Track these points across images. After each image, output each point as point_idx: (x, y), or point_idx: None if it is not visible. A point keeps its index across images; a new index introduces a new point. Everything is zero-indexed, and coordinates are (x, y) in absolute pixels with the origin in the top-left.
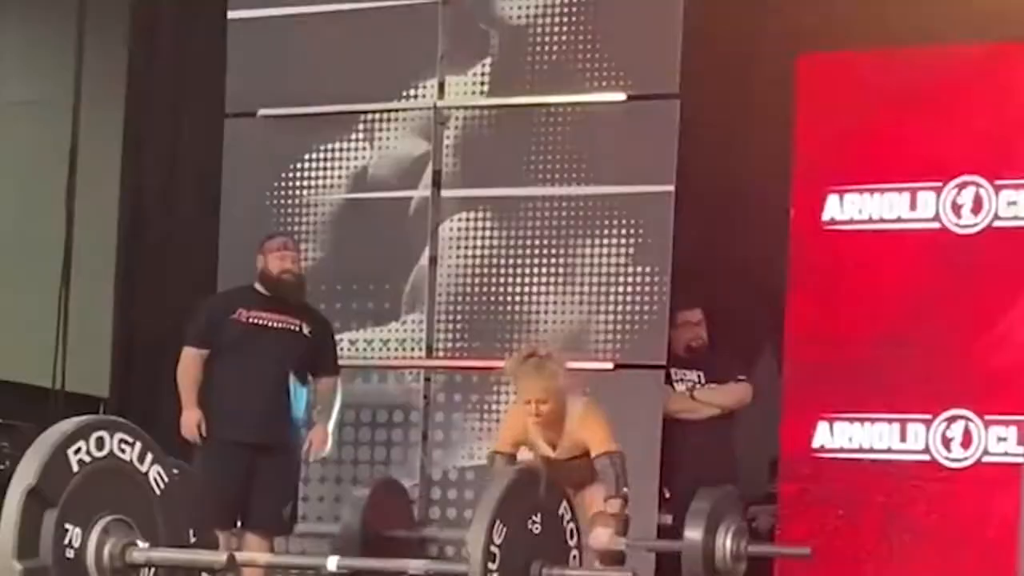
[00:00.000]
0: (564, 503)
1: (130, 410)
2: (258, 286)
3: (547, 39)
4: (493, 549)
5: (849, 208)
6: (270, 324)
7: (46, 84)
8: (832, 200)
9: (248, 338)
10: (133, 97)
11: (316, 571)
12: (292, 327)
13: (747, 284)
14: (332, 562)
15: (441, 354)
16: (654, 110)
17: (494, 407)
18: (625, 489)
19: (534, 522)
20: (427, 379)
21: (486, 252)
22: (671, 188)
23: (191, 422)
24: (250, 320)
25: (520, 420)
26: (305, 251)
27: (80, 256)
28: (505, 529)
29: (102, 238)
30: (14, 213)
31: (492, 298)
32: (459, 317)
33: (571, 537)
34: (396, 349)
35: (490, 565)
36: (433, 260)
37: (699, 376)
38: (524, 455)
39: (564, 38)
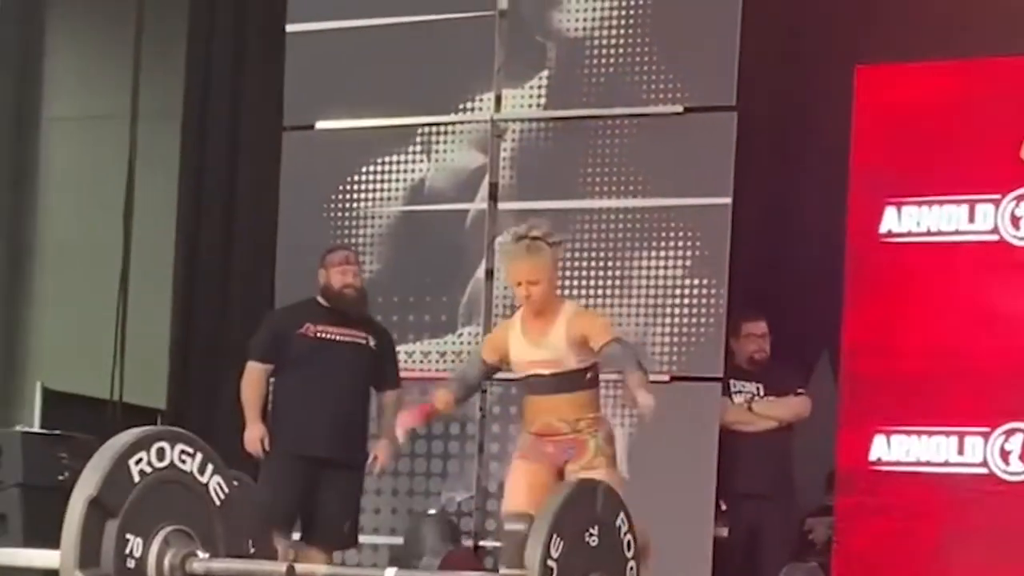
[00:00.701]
0: (622, 515)
1: (186, 421)
2: (320, 299)
3: (604, 51)
4: (550, 563)
5: (907, 220)
6: (337, 338)
7: (104, 99)
8: (890, 212)
9: (316, 352)
10: (191, 111)
11: None
12: (359, 340)
13: (804, 296)
14: (390, 574)
15: None
16: (711, 122)
17: None
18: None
19: (591, 535)
20: (483, 391)
21: None
22: (728, 200)
23: (255, 437)
24: (317, 334)
25: (504, 330)
26: (362, 263)
27: (138, 269)
28: (562, 542)
29: (160, 251)
30: (73, 227)
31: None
32: None
33: (628, 549)
34: (453, 361)
35: None
36: (490, 273)
37: (758, 388)
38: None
39: (621, 51)
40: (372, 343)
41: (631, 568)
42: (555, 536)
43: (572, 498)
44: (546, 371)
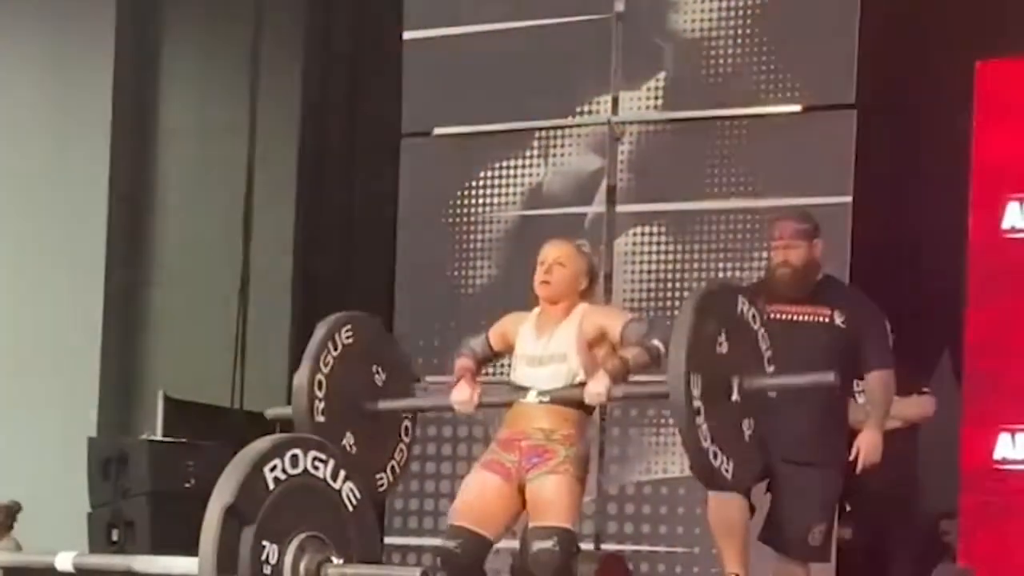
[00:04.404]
0: (742, 302)
1: None
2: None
3: (721, 52)
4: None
5: None
6: (795, 317)
7: (221, 110)
8: (1012, 207)
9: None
10: (308, 120)
11: None
12: (820, 319)
13: (925, 294)
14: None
15: None
16: (831, 121)
17: (671, 421)
18: (657, 343)
19: (721, 343)
20: None
21: (661, 267)
22: (848, 199)
23: None
24: (772, 315)
25: (515, 321)
26: (480, 268)
27: (257, 277)
28: (700, 378)
29: (279, 259)
30: (192, 237)
31: (668, 313)
32: None
33: (763, 340)
34: None
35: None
36: (608, 275)
37: None
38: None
39: (739, 51)
40: (839, 321)
41: (768, 359)
42: (693, 375)
43: (698, 319)
44: (540, 383)
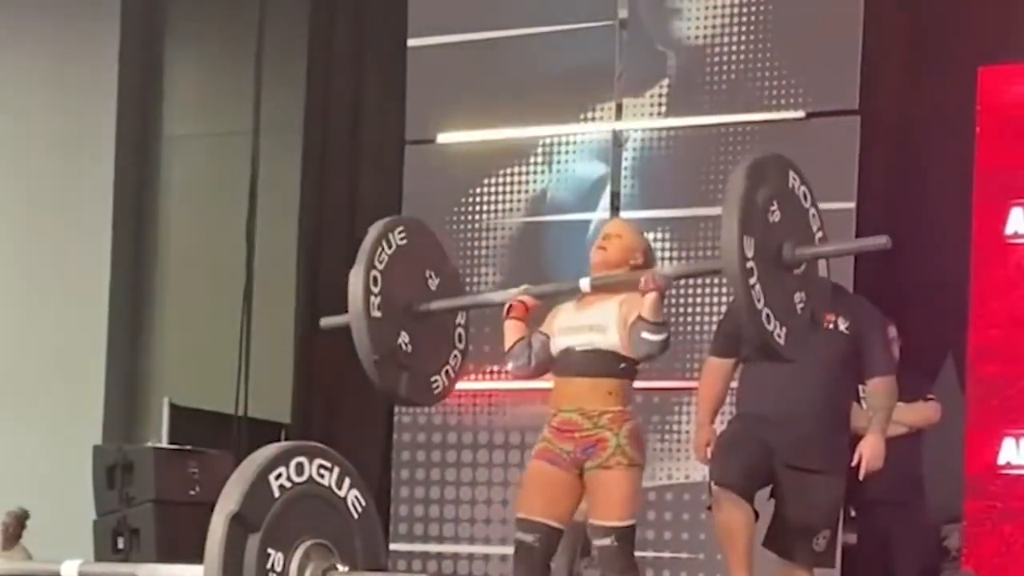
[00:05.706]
0: (793, 176)
1: (310, 435)
2: None
3: (724, 59)
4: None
5: None
6: None
7: (225, 116)
8: (1016, 213)
9: None
10: (312, 126)
11: None
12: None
13: (929, 300)
14: None
15: None
16: (834, 127)
17: (675, 427)
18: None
19: (773, 211)
20: None
21: None
22: (852, 205)
23: (702, 442)
24: None
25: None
26: (484, 274)
27: (261, 284)
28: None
29: (282, 266)
30: (196, 244)
31: (672, 318)
32: None
33: (813, 220)
34: None
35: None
36: None
37: None
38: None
39: (742, 57)
40: (843, 327)
41: (815, 220)
42: (746, 238)
43: (746, 186)
44: (578, 345)
